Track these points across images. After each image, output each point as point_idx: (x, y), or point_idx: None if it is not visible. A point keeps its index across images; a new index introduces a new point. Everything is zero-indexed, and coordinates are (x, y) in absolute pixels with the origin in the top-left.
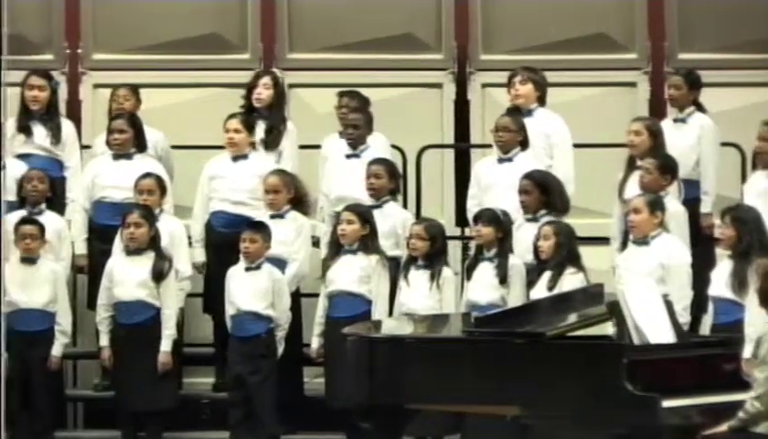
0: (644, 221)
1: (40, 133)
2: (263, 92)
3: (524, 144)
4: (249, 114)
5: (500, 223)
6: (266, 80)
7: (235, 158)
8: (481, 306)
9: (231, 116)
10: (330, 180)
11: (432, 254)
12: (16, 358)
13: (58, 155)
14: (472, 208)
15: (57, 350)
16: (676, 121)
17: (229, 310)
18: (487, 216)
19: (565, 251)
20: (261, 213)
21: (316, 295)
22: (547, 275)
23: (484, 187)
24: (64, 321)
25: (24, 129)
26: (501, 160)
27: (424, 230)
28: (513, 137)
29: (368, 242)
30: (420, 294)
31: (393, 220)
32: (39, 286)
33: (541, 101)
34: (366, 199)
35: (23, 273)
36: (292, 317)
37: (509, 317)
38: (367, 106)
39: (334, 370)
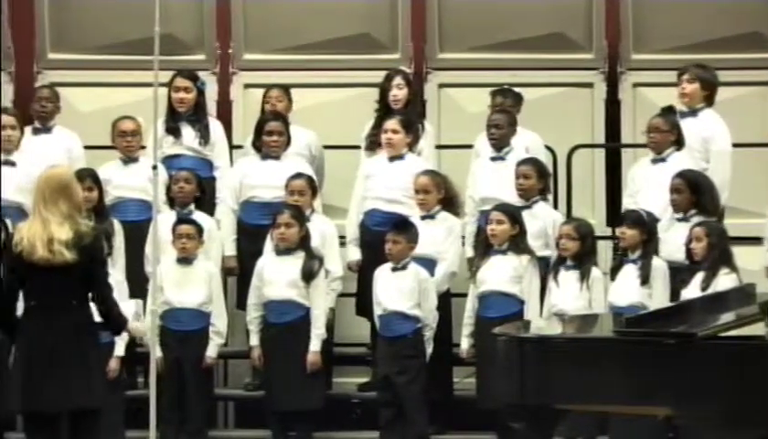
0: None
1: (189, 133)
2: (398, 93)
3: (678, 144)
4: (407, 116)
5: (645, 225)
6: (398, 80)
7: (392, 158)
8: (624, 308)
9: (390, 116)
10: (476, 180)
11: (582, 254)
12: (169, 357)
13: (207, 155)
14: (628, 207)
15: (212, 351)
16: None
17: (377, 310)
18: (632, 218)
19: (718, 252)
20: (415, 212)
21: (467, 295)
22: (700, 276)
23: (638, 186)
24: (219, 322)
25: (172, 130)
26: (655, 161)
27: (574, 229)
28: (665, 138)
29: (518, 242)
30: (570, 294)
31: (543, 221)
32: (195, 286)
33: (708, 100)
34: (509, 200)
35: (179, 273)
36: (442, 317)
37: (661, 317)
38: (519, 104)
39: (485, 371)
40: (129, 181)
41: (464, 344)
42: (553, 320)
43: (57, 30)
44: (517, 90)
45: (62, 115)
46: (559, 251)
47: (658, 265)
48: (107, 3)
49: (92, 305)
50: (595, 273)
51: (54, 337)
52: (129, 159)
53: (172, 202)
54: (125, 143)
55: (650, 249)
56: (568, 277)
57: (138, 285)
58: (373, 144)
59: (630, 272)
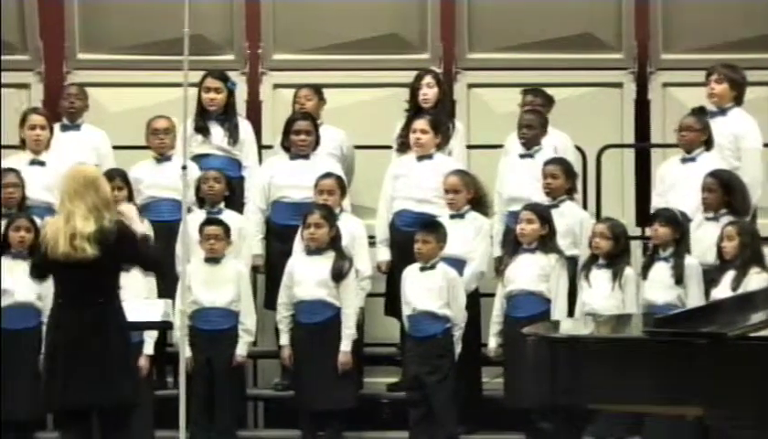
0: None
1: (218, 133)
2: (428, 92)
3: (708, 144)
4: (436, 116)
5: (678, 224)
6: (428, 79)
7: (420, 158)
8: (658, 306)
9: (419, 116)
10: (503, 179)
11: (615, 254)
12: (198, 357)
13: (236, 154)
14: (657, 206)
15: (241, 350)
16: None
17: (405, 310)
18: (665, 216)
19: (749, 252)
20: (445, 212)
21: (495, 295)
22: (731, 275)
23: (667, 186)
24: (248, 321)
25: (201, 129)
26: (684, 160)
27: (608, 228)
28: (696, 137)
29: (547, 241)
30: (601, 294)
31: (570, 220)
32: (223, 286)
33: (737, 100)
34: (537, 199)
35: (207, 273)
36: (471, 317)
37: (691, 317)
38: (550, 104)
39: (513, 370)
40: (161, 180)
41: (492, 343)
42: (583, 320)
43: (86, 31)
44: (547, 91)
45: (92, 115)
46: (591, 250)
47: (692, 264)
48: (136, 3)
49: (123, 304)
50: (628, 272)
51: (79, 334)
52: (162, 158)
53: (202, 202)
54: (158, 140)
55: (682, 248)
56: (599, 276)
57: (172, 285)
58: (404, 145)
59: (662, 269)
